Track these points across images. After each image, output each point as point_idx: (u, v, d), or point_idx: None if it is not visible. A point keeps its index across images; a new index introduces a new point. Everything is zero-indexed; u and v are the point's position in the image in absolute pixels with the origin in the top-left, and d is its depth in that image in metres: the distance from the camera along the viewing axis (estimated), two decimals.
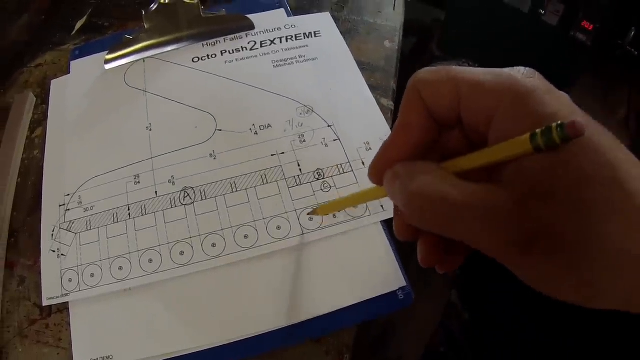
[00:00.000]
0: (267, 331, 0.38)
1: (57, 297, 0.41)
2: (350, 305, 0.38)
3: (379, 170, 0.26)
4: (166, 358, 0.38)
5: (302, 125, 0.47)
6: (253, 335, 0.38)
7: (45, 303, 0.41)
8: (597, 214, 0.19)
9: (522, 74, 0.22)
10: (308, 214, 0.42)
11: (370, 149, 0.45)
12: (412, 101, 0.25)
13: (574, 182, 0.19)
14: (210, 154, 0.45)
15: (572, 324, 0.75)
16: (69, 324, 0.40)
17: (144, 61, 0.53)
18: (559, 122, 0.19)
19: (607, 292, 0.20)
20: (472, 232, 0.21)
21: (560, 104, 0.21)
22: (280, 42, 0.53)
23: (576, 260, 0.20)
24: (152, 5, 0.53)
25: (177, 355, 0.38)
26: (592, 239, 0.19)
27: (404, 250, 0.41)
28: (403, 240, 0.28)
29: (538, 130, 0.20)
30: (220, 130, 0.47)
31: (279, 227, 0.41)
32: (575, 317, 0.76)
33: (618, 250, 0.19)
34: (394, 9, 0.57)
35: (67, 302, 0.41)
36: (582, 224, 0.19)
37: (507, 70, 0.23)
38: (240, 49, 0.53)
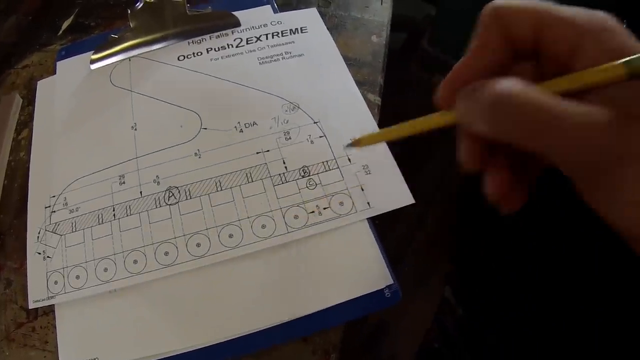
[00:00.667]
0: (253, 331, 0.37)
1: (43, 300, 0.40)
2: (337, 304, 0.38)
3: (450, 90, 0.26)
4: (152, 359, 0.37)
5: (287, 122, 0.46)
6: (239, 336, 0.37)
7: (31, 306, 0.40)
8: None
9: (603, 15, 0.23)
10: (347, 146, 0.35)
11: None
12: (491, 24, 0.25)
13: None
14: (195, 153, 0.45)
15: (565, 319, 0.74)
16: (55, 327, 0.40)
17: (129, 60, 0.53)
18: None
19: None
20: (564, 144, 0.21)
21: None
22: (266, 38, 0.53)
23: None
24: (137, 4, 0.52)
25: (163, 357, 0.37)
26: None
27: (396, 248, 0.40)
28: (470, 167, 0.27)
29: (634, 56, 0.20)
30: (206, 128, 0.46)
31: (263, 226, 0.41)
32: (568, 312, 0.75)
33: None
34: (381, 4, 0.56)
35: (53, 305, 0.40)
36: None
37: (586, 10, 0.23)
38: (226, 46, 0.53)
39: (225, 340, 0.37)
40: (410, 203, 0.41)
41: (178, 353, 0.37)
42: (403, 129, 0.32)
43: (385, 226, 0.41)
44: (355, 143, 0.35)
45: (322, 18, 0.54)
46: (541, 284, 0.79)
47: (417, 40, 1.09)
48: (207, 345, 0.37)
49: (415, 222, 0.91)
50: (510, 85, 0.22)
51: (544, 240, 0.80)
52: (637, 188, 0.20)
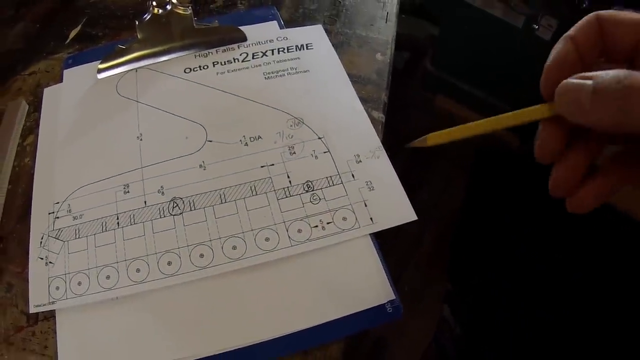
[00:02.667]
0: (254, 343, 0.38)
1: (44, 305, 0.40)
2: (338, 318, 0.38)
3: (552, 78, 0.27)
4: None
5: (292, 137, 0.47)
6: (240, 347, 0.38)
7: (32, 310, 0.40)
8: None
9: None
10: (409, 145, 0.34)
11: (360, 161, 0.45)
12: (590, 23, 0.27)
13: None
14: (200, 165, 0.46)
15: (565, 340, 0.75)
16: (56, 332, 0.40)
17: (136, 71, 0.53)
18: None
19: None
20: None
21: None
22: (272, 54, 0.54)
23: None
24: (145, 16, 0.53)
25: None
26: None
27: (395, 267, 0.41)
28: (548, 160, 0.28)
29: None
30: (211, 141, 0.47)
31: (267, 239, 0.41)
32: (568, 333, 0.76)
33: None
34: (386, 22, 0.57)
35: (54, 310, 0.40)
36: None
37: None
38: (232, 61, 0.53)
39: (226, 351, 0.38)
40: (413, 219, 0.42)
41: None
42: (477, 127, 0.31)
43: (384, 245, 0.42)
44: (419, 142, 0.33)
45: (328, 35, 0.55)
46: (540, 305, 0.80)
47: (420, 60, 1.10)
48: (207, 356, 0.38)
49: (413, 241, 0.91)
50: (627, 74, 0.23)
51: (543, 261, 0.81)
52: None
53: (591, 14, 0.27)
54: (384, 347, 0.85)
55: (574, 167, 0.27)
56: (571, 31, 0.28)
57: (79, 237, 0.43)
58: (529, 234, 0.79)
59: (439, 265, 0.93)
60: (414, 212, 0.42)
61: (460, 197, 0.93)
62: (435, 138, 0.33)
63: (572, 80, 0.26)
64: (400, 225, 0.42)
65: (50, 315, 0.41)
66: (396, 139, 0.46)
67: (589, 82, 0.24)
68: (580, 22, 0.28)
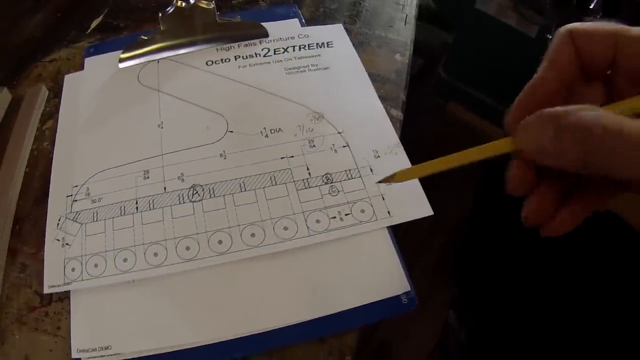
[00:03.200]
0: (269, 329, 0.38)
1: (58, 286, 0.40)
2: (354, 308, 0.39)
3: (523, 113, 0.26)
4: (165, 351, 0.38)
5: (312, 130, 0.47)
6: (255, 333, 0.38)
7: (46, 291, 0.40)
8: None
9: None
10: (380, 182, 0.35)
11: (379, 156, 0.46)
12: (564, 43, 0.25)
13: None
14: (221, 154, 0.46)
15: (571, 348, 0.75)
16: (69, 313, 0.40)
17: (158, 62, 0.54)
18: None
19: None
20: None
21: None
22: (293, 50, 0.54)
23: None
24: (168, 8, 0.54)
25: (177, 350, 0.38)
26: None
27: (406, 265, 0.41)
28: (519, 194, 0.27)
29: None
30: (232, 131, 0.48)
31: (285, 228, 0.42)
32: (574, 341, 0.76)
33: None
34: (405, 24, 0.58)
35: (69, 291, 0.40)
36: None
37: None
38: (254, 55, 0.54)
39: (241, 336, 0.38)
40: (429, 215, 0.43)
41: (192, 347, 0.38)
42: (451, 160, 0.30)
43: None
44: (387, 179, 0.34)
45: (348, 34, 0.56)
46: (546, 313, 0.80)
47: (433, 67, 1.11)
48: (222, 341, 0.38)
49: (420, 247, 0.92)
50: (587, 115, 0.22)
51: (551, 271, 0.81)
52: None
53: (564, 29, 0.26)
54: (389, 351, 0.85)
55: (545, 199, 0.27)
56: (549, 53, 0.26)
57: (97, 220, 0.43)
58: (537, 244, 0.79)
59: (446, 271, 0.93)
60: (430, 207, 0.43)
61: (469, 204, 0.93)
62: (402, 175, 0.33)
63: (534, 118, 0.25)
64: (408, 230, 0.43)
65: (64, 297, 0.41)
66: (408, 144, 0.47)
67: (550, 127, 0.23)
68: (555, 42, 0.26)
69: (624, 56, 0.24)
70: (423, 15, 1.07)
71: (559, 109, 0.23)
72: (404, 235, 0.44)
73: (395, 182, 0.33)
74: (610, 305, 0.72)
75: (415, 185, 0.44)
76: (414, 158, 0.45)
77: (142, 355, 0.38)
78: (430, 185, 0.42)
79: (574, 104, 0.23)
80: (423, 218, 0.43)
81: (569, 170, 0.23)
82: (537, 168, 0.26)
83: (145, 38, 0.55)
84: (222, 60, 0.54)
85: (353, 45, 0.55)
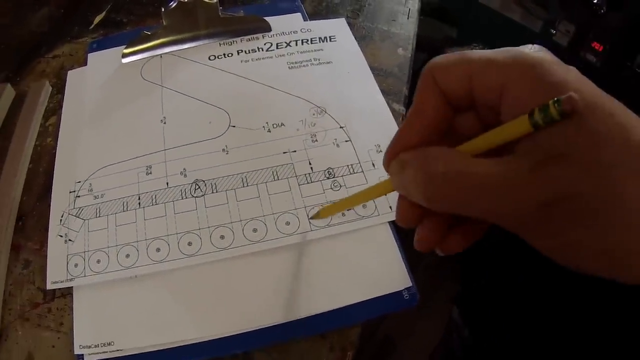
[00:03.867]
0: (271, 325, 0.38)
1: (61, 282, 0.41)
2: (356, 303, 0.38)
3: (395, 155, 0.26)
4: (168, 347, 0.38)
5: (314, 125, 0.47)
6: (257, 329, 0.38)
7: (49, 287, 0.41)
8: (616, 176, 0.19)
9: (530, 49, 0.23)
10: (310, 218, 0.42)
11: (381, 151, 0.46)
12: (427, 85, 0.25)
13: (588, 144, 0.19)
14: (223, 149, 0.46)
15: (573, 344, 0.75)
16: (72, 309, 0.40)
17: (160, 57, 0.54)
18: (555, 99, 0.19)
19: (633, 256, 0.20)
20: (494, 205, 0.21)
21: (569, 74, 0.21)
22: (296, 44, 0.54)
23: (598, 222, 0.20)
24: (171, 3, 0.53)
25: (180, 345, 0.38)
26: (612, 201, 0.19)
27: (409, 259, 0.41)
28: (406, 226, 0.28)
29: (536, 109, 0.20)
30: (234, 126, 0.47)
31: (287, 223, 0.42)
32: (577, 338, 0.75)
33: None
34: (407, 18, 0.58)
35: (71, 287, 0.41)
36: (601, 185, 0.19)
37: (515, 47, 0.23)
38: (257, 50, 0.54)
39: (244, 332, 0.38)
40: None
41: (194, 342, 0.38)
42: (356, 199, 0.37)
43: None
44: (315, 216, 0.41)
45: (350, 29, 0.56)
46: (549, 309, 0.80)
47: None
48: (224, 337, 0.38)
49: None
50: (440, 163, 0.23)
51: (554, 265, 0.80)
52: (568, 232, 0.20)
53: (426, 68, 0.25)
54: (392, 347, 0.85)
55: (433, 229, 0.27)
56: (415, 95, 0.26)
57: (99, 216, 0.43)
58: None
59: (449, 267, 0.93)
60: None
61: None
62: (326, 212, 0.41)
63: (394, 163, 0.25)
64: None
65: (67, 293, 0.41)
66: None
67: (403, 170, 0.24)
68: (419, 83, 0.26)
69: (478, 86, 0.24)
70: (426, 10, 1.07)
71: (410, 153, 0.25)
72: (407, 232, 0.44)
73: (322, 218, 0.41)
74: (613, 301, 0.71)
75: None
76: None
77: (144, 352, 0.38)
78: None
79: (447, 139, 0.25)
80: None
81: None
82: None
83: (148, 33, 0.54)
84: (224, 54, 0.54)
85: (356, 39, 0.55)
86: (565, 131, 0.20)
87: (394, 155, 0.26)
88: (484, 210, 0.22)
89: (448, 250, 0.27)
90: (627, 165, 0.19)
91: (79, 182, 0.46)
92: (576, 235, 0.20)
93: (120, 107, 0.50)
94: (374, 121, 0.48)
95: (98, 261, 0.41)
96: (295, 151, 0.46)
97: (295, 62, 0.53)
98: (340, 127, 0.47)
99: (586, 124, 0.20)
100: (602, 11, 0.82)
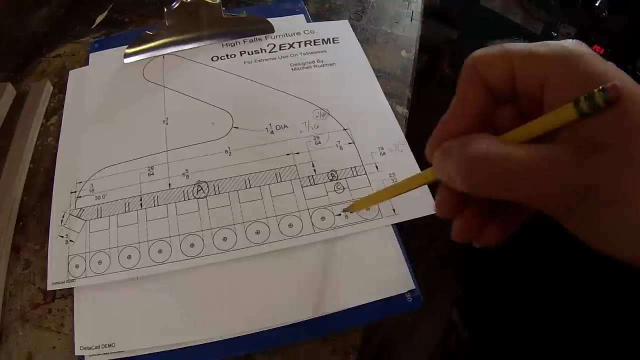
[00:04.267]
0: (272, 327, 0.38)
1: (62, 283, 0.40)
2: (359, 306, 0.38)
3: (438, 145, 0.26)
4: (168, 349, 0.37)
5: (317, 127, 0.47)
6: (258, 331, 0.38)
7: (50, 288, 0.40)
8: None
9: (571, 42, 0.23)
10: (343, 211, 0.42)
11: (384, 153, 0.46)
12: (470, 76, 0.26)
13: (630, 132, 0.20)
14: (226, 150, 0.46)
15: (573, 347, 0.75)
16: (73, 310, 0.39)
17: (163, 57, 0.54)
18: (601, 87, 0.20)
19: None
20: (536, 188, 0.22)
21: (608, 66, 0.22)
22: (299, 46, 0.54)
23: (637, 210, 0.20)
24: (173, 3, 0.53)
25: (180, 347, 0.37)
26: None
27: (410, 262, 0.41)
28: (446, 217, 0.28)
29: (581, 97, 0.20)
30: (237, 127, 0.47)
31: (290, 225, 0.42)
32: (576, 341, 0.76)
33: None
34: (411, 21, 0.58)
35: (72, 288, 0.40)
36: None
37: (555, 41, 0.24)
38: (260, 51, 0.54)
39: (245, 334, 0.38)
40: (434, 213, 0.42)
41: (196, 344, 0.37)
42: (394, 190, 0.37)
43: None
44: (349, 208, 0.41)
45: (354, 31, 0.56)
46: (550, 312, 0.80)
47: (438, 64, 1.11)
48: (225, 339, 0.37)
49: (424, 244, 0.91)
50: (481, 146, 0.23)
51: (555, 268, 0.81)
52: (607, 218, 0.21)
53: (468, 60, 0.26)
54: (393, 348, 0.85)
55: (471, 220, 0.27)
56: (458, 86, 0.27)
57: (100, 217, 0.43)
58: (541, 241, 0.79)
59: (450, 269, 0.93)
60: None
61: None
62: (359, 205, 0.41)
63: (439, 150, 0.26)
64: (411, 228, 0.42)
65: (67, 294, 0.41)
66: (413, 141, 0.47)
67: (447, 157, 0.25)
68: (462, 74, 0.26)
69: (520, 78, 0.25)
70: (428, 12, 1.07)
71: (453, 141, 0.25)
72: (409, 234, 0.44)
73: (355, 211, 0.42)
74: (612, 300, 0.71)
75: None
76: (420, 155, 0.45)
77: (145, 353, 0.37)
78: (435, 183, 0.42)
79: (489, 132, 0.25)
80: (428, 216, 0.42)
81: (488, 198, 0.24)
82: (464, 193, 0.27)
83: (151, 33, 0.54)
84: (227, 55, 0.53)
85: (359, 41, 0.55)
86: (607, 121, 0.20)
87: (437, 143, 0.26)
88: (525, 195, 0.22)
89: (485, 242, 0.28)
90: None
91: (80, 182, 0.45)
92: (615, 220, 0.21)
93: (122, 107, 0.50)
94: (378, 123, 0.48)
95: (99, 262, 0.41)
96: (298, 153, 0.45)
97: (298, 64, 0.52)
98: (344, 130, 0.47)
99: (627, 113, 0.20)
100: (604, 14, 0.82)
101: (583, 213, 0.21)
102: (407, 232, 0.43)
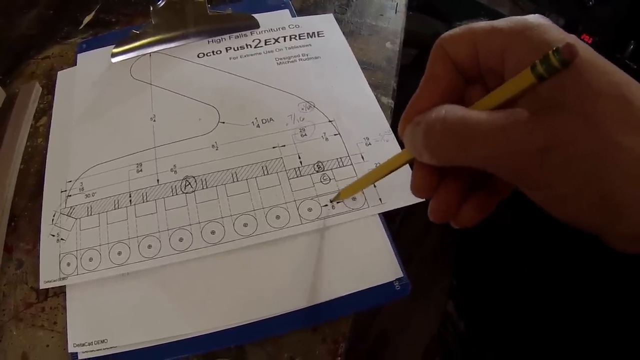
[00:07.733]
0: (262, 318, 0.38)
1: (54, 281, 0.41)
2: (347, 295, 0.39)
3: (408, 121, 0.27)
4: (161, 343, 0.38)
5: (303, 119, 0.47)
6: (248, 322, 0.38)
7: (42, 286, 0.41)
8: (612, 125, 0.20)
9: (531, 16, 0.24)
10: (330, 201, 0.43)
11: (370, 144, 0.46)
12: (437, 54, 0.27)
13: (585, 95, 0.20)
14: (213, 145, 0.46)
15: (568, 337, 0.75)
16: (65, 308, 0.40)
17: (150, 55, 0.54)
18: (555, 48, 0.20)
19: (632, 207, 0.20)
20: (492, 151, 0.22)
21: (566, 35, 0.22)
22: (284, 40, 0.54)
23: (596, 170, 0.20)
24: (159, 2, 0.54)
25: (172, 341, 0.38)
26: (609, 149, 0.20)
27: (402, 254, 0.41)
28: (421, 196, 0.29)
29: (537, 61, 0.21)
30: (223, 122, 0.48)
31: (278, 217, 0.42)
32: (571, 331, 0.76)
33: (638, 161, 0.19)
34: (395, 13, 0.58)
35: (64, 286, 0.41)
36: (598, 133, 0.20)
37: (517, 16, 0.24)
38: (245, 46, 0.54)
39: (236, 326, 0.38)
40: (421, 200, 0.42)
41: (188, 337, 0.38)
42: (375, 175, 0.37)
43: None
44: (336, 198, 0.42)
45: (338, 24, 0.56)
46: (544, 302, 0.80)
47: (427, 57, 1.11)
48: (216, 331, 0.38)
49: (418, 236, 0.91)
50: (440, 112, 0.24)
51: (548, 258, 0.81)
52: (565, 181, 0.21)
53: (437, 40, 0.27)
54: (387, 341, 0.85)
55: (447, 198, 0.28)
56: (427, 66, 0.27)
57: (91, 215, 0.44)
58: (535, 233, 0.79)
59: (444, 261, 0.93)
60: None
61: None
62: (344, 194, 0.42)
63: (413, 123, 0.26)
64: (405, 220, 0.43)
65: (60, 292, 0.41)
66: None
67: (414, 130, 0.25)
68: (430, 54, 0.27)
69: (482, 52, 0.25)
70: (416, 5, 1.07)
71: (418, 116, 0.26)
72: (402, 225, 0.44)
73: (343, 199, 0.42)
74: (613, 294, 0.71)
75: (406, 172, 0.44)
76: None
77: (138, 348, 0.38)
78: (412, 163, 0.42)
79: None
80: (420, 207, 0.43)
81: (441, 165, 0.25)
82: (438, 170, 0.27)
83: (137, 32, 0.55)
84: (213, 52, 0.54)
85: (344, 34, 0.55)
86: (564, 83, 0.21)
87: (408, 119, 0.27)
88: (483, 158, 0.22)
89: (461, 222, 0.28)
90: (623, 117, 0.20)
91: (70, 181, 0.46)
92: (574, 183, 0.21)
93: (110, 106, 0.51)
94: (363, 115, 0.48)
95: (90, 259, 0.41)
96: (284, 146, 0.46)
97: (284, 58, 0.53)
98: (329, 121, 0.47)
99: (583, 77, 0.20)
100: (591, 3, 0.82)
101: (539, 177, 0.21)
102: (397, 228, 0.43)
